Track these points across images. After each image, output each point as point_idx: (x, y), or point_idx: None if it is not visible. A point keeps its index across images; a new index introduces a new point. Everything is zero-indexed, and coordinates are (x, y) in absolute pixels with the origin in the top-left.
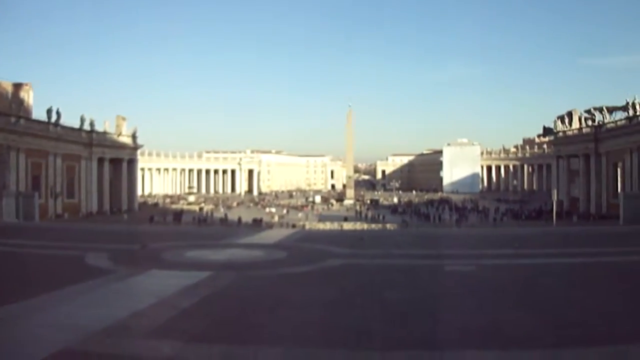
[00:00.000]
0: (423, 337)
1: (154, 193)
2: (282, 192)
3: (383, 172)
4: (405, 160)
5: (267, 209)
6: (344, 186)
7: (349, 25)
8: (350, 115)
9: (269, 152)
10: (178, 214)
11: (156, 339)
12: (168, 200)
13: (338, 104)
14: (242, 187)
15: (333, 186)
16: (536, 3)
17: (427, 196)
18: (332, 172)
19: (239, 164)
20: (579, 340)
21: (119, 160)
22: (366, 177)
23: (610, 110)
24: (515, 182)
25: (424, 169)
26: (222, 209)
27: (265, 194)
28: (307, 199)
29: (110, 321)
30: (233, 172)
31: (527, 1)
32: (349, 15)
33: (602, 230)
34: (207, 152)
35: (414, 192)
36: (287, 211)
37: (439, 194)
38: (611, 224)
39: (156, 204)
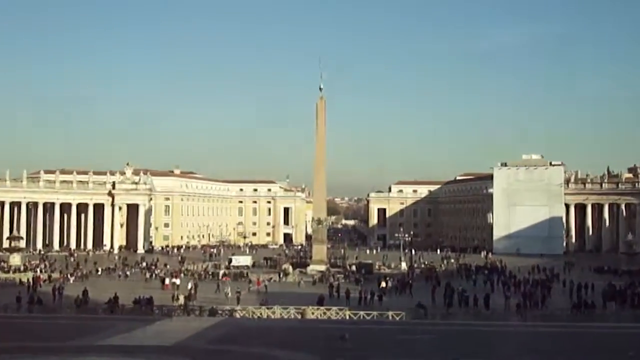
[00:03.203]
0: None
1: None
2: (194, 247)
3: (382, 213)
4: (422, 191)
5: (166, 281)
6: (309, 238)
7: None
8: (323, 106)
9: (170, 173)
10: None
11: None
12: None
13: (301, 94)
14: (116, 237)
15: (288, 237)
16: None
17: (465, 260)
18: (286, 212)
19: (111, 194)
20: None
21: None
22: (350, 222)
23: None
24: (630, 236)
25: (456, 209)
26: (72, 280)
27: (162, 250)
28: (229, 261)
29: None
30: (99, 208)
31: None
32: None
33: None
34: (48, 172)
35: (438, 250)
36: (194, 285)
37: (486, 255)
38: None
39: None
